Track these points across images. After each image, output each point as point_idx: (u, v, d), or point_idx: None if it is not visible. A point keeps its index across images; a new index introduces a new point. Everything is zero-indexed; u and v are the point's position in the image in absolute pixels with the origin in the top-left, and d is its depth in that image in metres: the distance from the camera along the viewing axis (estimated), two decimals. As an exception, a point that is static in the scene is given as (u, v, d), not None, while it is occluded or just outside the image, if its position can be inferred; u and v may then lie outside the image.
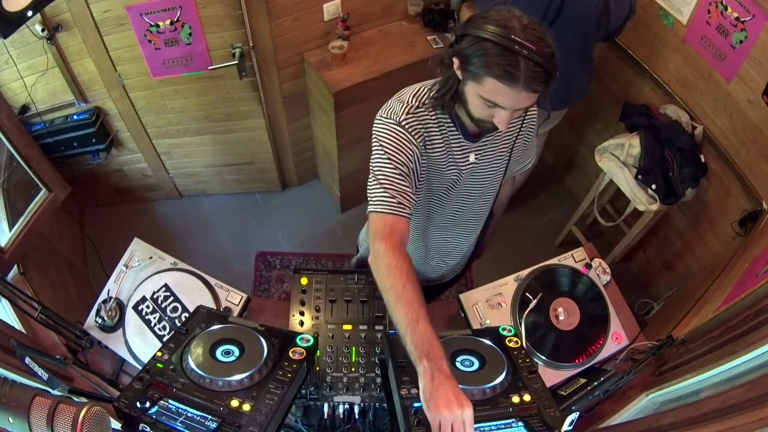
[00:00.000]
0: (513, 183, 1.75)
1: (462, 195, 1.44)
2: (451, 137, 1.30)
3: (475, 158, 1.35)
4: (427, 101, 1.25)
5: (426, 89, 1.27)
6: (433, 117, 1.27)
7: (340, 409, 1.33)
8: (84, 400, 1.16)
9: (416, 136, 1.23)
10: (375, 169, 1.22)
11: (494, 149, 1.38)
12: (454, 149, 1.32)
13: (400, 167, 1.20)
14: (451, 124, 1.28)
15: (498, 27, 1.04)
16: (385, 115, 1.25)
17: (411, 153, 1.22)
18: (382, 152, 1.21)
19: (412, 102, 1.25)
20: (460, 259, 1.75)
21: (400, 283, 1.06)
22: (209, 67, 2.46)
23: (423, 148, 1.26)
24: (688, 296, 2.03)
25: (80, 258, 2.82)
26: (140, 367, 1.18)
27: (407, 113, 1.23)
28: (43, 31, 2.18)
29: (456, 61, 1.13)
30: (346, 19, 2.51)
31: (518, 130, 1.37)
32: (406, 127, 1.22)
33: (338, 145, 2.72)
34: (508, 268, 1.65)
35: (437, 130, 1.28)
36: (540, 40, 1.04)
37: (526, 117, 1.35)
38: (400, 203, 1.18)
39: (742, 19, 1.94)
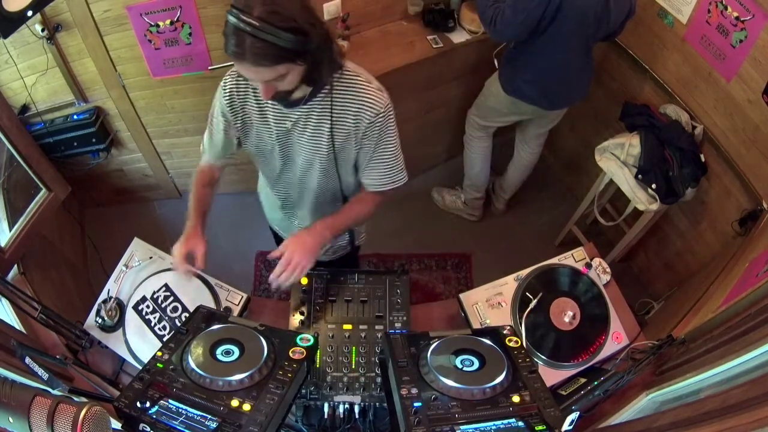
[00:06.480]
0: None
1: (287, 162, 1.49)
2: (268, 102, 1.35)
3: (292, 126, 1.38)
4: None
5: None
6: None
7: (341, 408, 1.33)
8: (84, 399, 1.16)
9: (225, 97, 1.40)
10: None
11: (311, 124, 1.36)
12: (268, 114, 1.39)
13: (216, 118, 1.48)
14: None
15: (236, 7, 1.06)
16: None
17: (221, 109, 1.42)
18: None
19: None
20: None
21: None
22: (209, 67, 2.46)
23: (235, 108, 1.41)
24: (688, 296, 2.03)
25: (80, 258, 2.81)
26: (140, 367, 1.18)
27: (231, 77, 1.40)
28: (43, 31, 2.18)
29: None
30: (346, 19, 2.50)
31: (330, 109, 1.32)
32: (224, 87, 1.41)
33: (338, 145, 2.72)
34: (508, 268, 1.65)
35: (253, 95, 1.38)
36: (274, 13, 1.05)
37: (342, 106, 1.32)
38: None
39: (742, 19, 1.94)
